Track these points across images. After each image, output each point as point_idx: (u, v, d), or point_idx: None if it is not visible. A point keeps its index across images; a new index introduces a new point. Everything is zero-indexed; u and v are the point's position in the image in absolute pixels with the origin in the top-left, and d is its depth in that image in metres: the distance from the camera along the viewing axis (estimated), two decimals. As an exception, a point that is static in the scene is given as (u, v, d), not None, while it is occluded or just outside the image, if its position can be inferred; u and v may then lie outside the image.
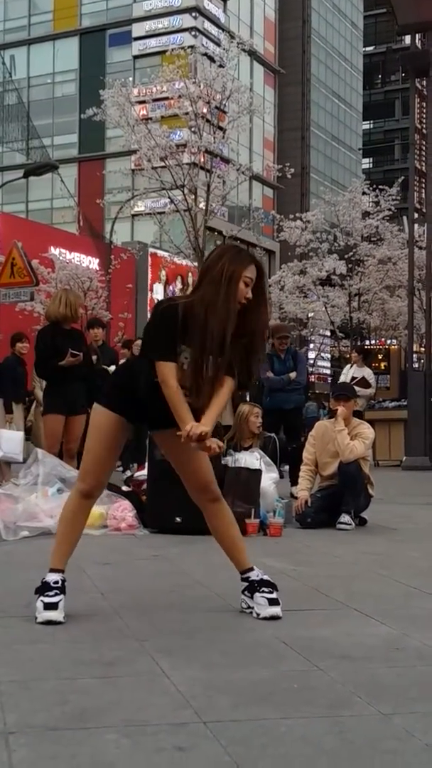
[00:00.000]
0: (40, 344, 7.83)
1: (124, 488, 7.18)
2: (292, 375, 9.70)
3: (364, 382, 13.53)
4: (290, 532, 6.42)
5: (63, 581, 3.62)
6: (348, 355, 30.76)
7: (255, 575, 3.71)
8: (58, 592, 3.56)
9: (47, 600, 3.51)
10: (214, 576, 4.33)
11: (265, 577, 3.72)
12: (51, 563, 3.69)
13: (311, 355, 40.57)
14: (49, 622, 3.44)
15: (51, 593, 3.54)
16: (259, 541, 5.92)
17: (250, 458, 6.79)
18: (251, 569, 3.73)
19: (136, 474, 7.54)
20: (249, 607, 3.68)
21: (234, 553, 3.77)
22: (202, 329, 3.47)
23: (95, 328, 10.77)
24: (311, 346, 39.92)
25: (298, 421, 10.03)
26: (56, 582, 3.59)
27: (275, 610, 3.59)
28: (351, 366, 14.57)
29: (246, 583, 3.71)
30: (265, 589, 3.65)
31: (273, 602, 3.62)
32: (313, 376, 42.17)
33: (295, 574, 4.62)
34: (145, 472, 6.87)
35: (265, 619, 3.56)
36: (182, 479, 3.79)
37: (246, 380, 3.71)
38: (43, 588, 3.57)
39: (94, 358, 9.91)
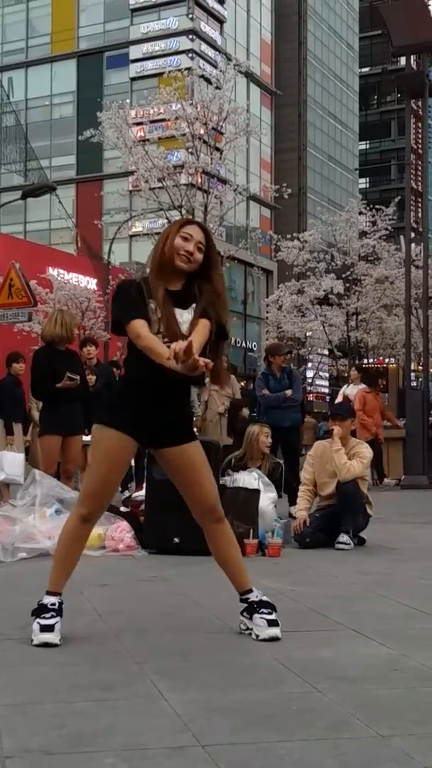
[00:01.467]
0: (36, 366, 7.82)
1: (123, 509, 7.16)
2: (288, 392, 9.71)
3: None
4: (289, 552, 6.40)
5: (60, 604, 3.60)
6: (346, 374, 30.84)
7: (254, 596, 3.69)
8: (54, 614, 3.53)
9: (44, 622, 3.49)
10: (213, 597, 4.32)
11: (264, 598, 3.69)
12: (48, 586, 3.66)
13: (309, 374, 40.60)
14: (45, 645, 3.42)
15: (48, 615, 3.52)
16: (258, 561, 5.90)
17: (249, 478, 6.78)
18: (250, 591, 3.71)
19: (135, 494, 7.53)
20: (248, 629, 3.66)
21: (234, 574, 3.75)
22: (152, 283, 3.57)
23: (88, 346, 10.76)
24: (309, 365, 39.96)
25: (295, 440, 10.02)
26: (53, 604, 3.57)
27: (274, 631, 3.57)
28: (349, 385, 14.60)
29: (245, 605, 3.69)
30: (264, 611, 3.63)
31: (272, 623, 3.59)
32: (311, 395, 42.18)
33: (294, 594, 4.60)
34: (143, 492, 6.85)
35: (264, 640, 3.55)
36: (186, 499, 3.74)
37: (219, 327, 3.61)
38: (40, 610, 3.55)
39: (93, 378, 9.91)
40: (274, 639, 3.55)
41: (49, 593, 3.62)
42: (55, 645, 3.43)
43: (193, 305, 3.61)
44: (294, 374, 10.36)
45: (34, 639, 3.46)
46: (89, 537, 6.23)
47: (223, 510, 3.75)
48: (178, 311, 3.58)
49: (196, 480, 3.67)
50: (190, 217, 22.20)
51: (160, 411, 3.59)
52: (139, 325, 3.52)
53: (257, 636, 3.58)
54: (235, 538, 3.79)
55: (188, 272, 3.64)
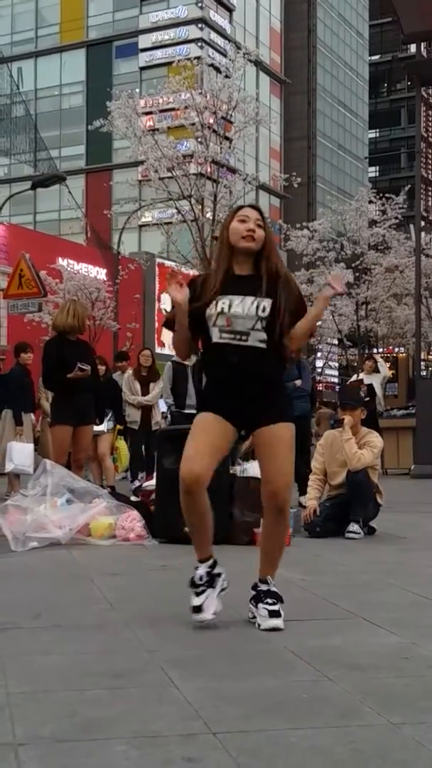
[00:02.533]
0: (47, 356, 7.83)
1: (133, 498, 7.19)
2: (298, 382, 9.70)
3: (371, 391, 13.55)
4: (299, 542, 6.40)
5: (210, 571, 3.69)
6: (355, 364, 30.79)
7: (264, 586, 3.71)
8: (204, 586, 3.65)
9: (194, 602, 3.61)
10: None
11: (273, 589, 3.71)
12: (197, 556, 3.76)
13: (319, 363, 40.55)
14: (199, 621, 3.58)
15: (199, 590, 3.64)
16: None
17: (256, 466, 6.78)
18: (265, 581, 3.73)
19: (145, 484, 7.55)
20: (254, 617, 3.68)
21: (263, 559, 3.78)
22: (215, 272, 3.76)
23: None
24: (319, 354, 39.91)
25: (305, 430, 10.01)
26: (201, 577, 3.67)
27: (275, 622, 3.58)
28: (359, 374, 14.59)
29: (254, 592, 3.72)
30: (269, 601, 3.65)
31: (273, 614, 3.61)
32: (321, 385, 42.14)
33: (304, 583, 4.61)
34: (153, 482, 6.87)
35: (266, 630, 3.56)
36: (261, 479, 3.75)
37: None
38: (191, 583, 3.68)
39: (102, 369, 9.92)
40: (275, 629, 3.56)
41: (200, 561, 3.73)
42: (208, 620, 3.57)
43: (266, 299, 3.67)
44: (303, 363, 10.35)
45: (193, 615, 3.60)
46: (99, 526, 6.30)
47: (288, 505, 3.74)
48: (239, 298, 3.67)
49: (267, 459, 3.68)
50: (200, 206, 22.18)
51: (246, 402, 3.66)
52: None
53: (259, 625, 3.60)
54: (284, 534, 3.81)
55: (254, 252, 3.74)
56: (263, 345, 3.65)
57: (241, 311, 3.65)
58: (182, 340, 3.82)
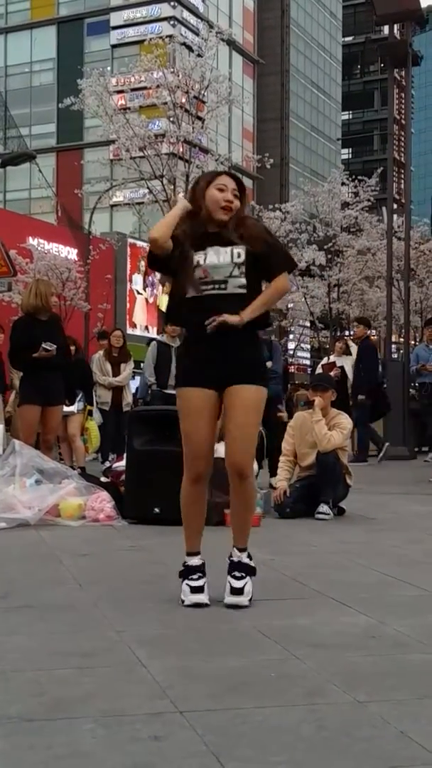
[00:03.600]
0: (14, 335, 7.78)
1: (103, 479, 7.17)
2: (269, 364, 9.70)
3: (343, 373, 13.60)
4: (269, 522, 6.43)
5: (203, 564, 3.74)
6: (327, 346, 30.87)
7: (236, 557, 3.74)
8: (201, 574, 3.68)
9: (193, 584, 3.64)
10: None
11: (245, 561, 3.73)
12: (186, 548, 3.78)
13: (291, 345, 40.60)
14: (196, 605, 3.58)
15: (195, 576, 3.67)
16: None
17: (220, 447, 6.79)
18: (239, 550, 3.74)
19: (115, 465, 7.53)
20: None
21: (235, 530, 3.80)
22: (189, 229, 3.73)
23: None
24: (291, 336, 39.97)
25: (275, 411, 10.03)
26: (197, 566, 3.71)
27: (237, 599, 3.61)
28: (329, 356, 14.62)
29: (228, 561, 3.76)
30: (236, 573, 3.68)
31: (235, 591, 3.63)
32: (292, 367, 42.24)
33: (273, 563, 4.63)
34: (123, 462, 6.85)
35: (228, 606, 3.60)
36: (225, 442, 3.75)
37: (281, 261, 3.79)
38: (187, 572, 3.70)
39: (73, 348, 9.87)
40: (236, 606, 3.59)
41: (189, 554, 3.76)
42: (206, 605, 3.60)
43: (238, 245, 3.68)
44: (274, 345, 10.35)
45: (186, 600, 3.63)
46: (69, 507, 6.29)
47: (249, 471, 3.73)
48: (213, 249, 3.67)
49: (231, 422, 3.67)
50: (172, 186, 22.07)
51: (225, 357, 3.64)
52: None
53: (224, 599, 3.64)
54: (252, 502, 3.82)
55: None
56: (243, 290, 3.68)
57: (216, 260, 3.67)
58: (170, 218, 3.76)
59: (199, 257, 3.68)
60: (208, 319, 3.61)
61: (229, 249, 3.68)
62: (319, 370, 14.39)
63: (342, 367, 13.87)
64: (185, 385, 3.73)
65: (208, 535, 3.94)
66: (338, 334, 31.28)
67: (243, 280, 3.67)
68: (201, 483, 3.74)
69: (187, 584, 3.67)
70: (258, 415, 3.72)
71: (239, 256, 3.67)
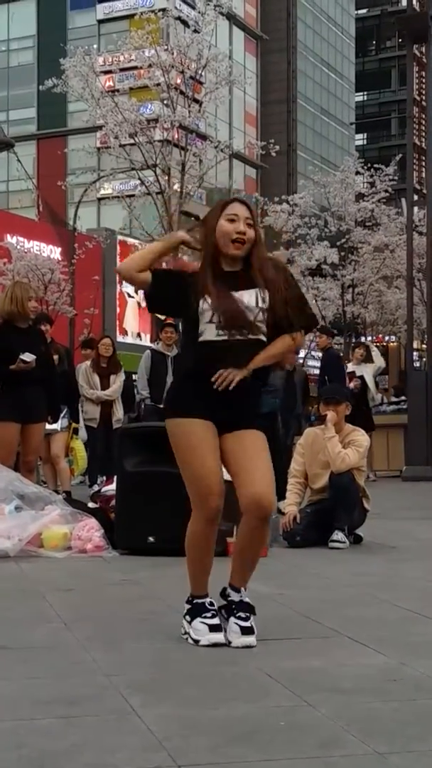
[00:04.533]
0: None
1: (91, 505, 7.17)
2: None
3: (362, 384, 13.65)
4: (277, 553, 6.43)
5: (214, 603, 3.77)
6: (341, 354, 30.89)
7: (236, 596, 3.77)
8: (215, 613, 3.71)
9: (210, 622, 3.67)
10: (191, 602, 4.34)
11: (246, 600, 3.76)
12: (193, 590, 3.81)
13: (300, 353, 40.64)
14: (215, 645, 3.59)
15: (208, 614, 3.70)
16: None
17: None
18: (237, 590, 3.78)
19: (104, 489, 7.53)
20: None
21: (237, 568, 3.82)
22: (201, 274, 3.78)
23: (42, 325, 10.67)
24: (301, 343, 40.01)
25: (271, 429, 10.03)
26: (211, 603, 3.74)
27: (249, 639, 3.64)
28: (346, 365, 14.61)
29: (224, 602, 3.79)
30: (242, 615, 3.71)
31: (246, 631, 3.66)
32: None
33: (283, 599, 4.63)
34: (114, 486, 6.86)
35: (238, 647, 3.61)
36: (236, 489, 3.78)
37: (302, 320, 3.86)
38: (199, 609, 3.71)
39: (56, 357, 9.88)
40: (248, 647, 3.61)
41: (201, 597, 3.77)
42: (225, 644, 3.62)
43: (261, 290, 3.75)
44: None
45: (202, 640, 3.64)
46: (53, 537, 6.29)
47: (270, 508, 3.78)
48: (237, 293, 3.74)
49: (247, 463, 3.73)
50: (166, 177, 22.14)
51: (229, 402, 3.70)
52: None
53: (229, 642, 3.65)
54: (263, 544, 3.90)
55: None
56: (264, 338, 3.77)
57: (244, 302, 3.73)
58: (147, 253, 3.88)
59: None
60: (214, 376, 3.68)
61: (254, 292, 3.75)
62: None
63: (362, 377, 13.90)
64: (187, 416, 3.75)
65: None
66: (354, 340, 31.28)
67: (265, 327, 3.76)
68: (217, 519, 3.76)
69: (203, 623, 3.68)
70: (269, 458, 3.81)
71: (264, 301, 3.75)
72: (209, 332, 3.73)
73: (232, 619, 3.70)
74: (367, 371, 14.19)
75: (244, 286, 3.76)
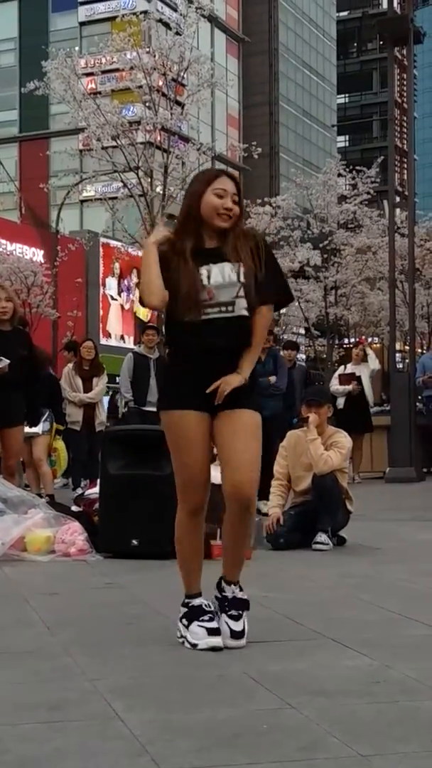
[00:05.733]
0: None
1: (74, 508, 7.15)
2: (272, 379, 9.72)
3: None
4: (260, 555, 6.42)
5: (211, 604, 3.73)
6: (324, 356, 30.95)
7: (229, 591, 3.76)
8: (212, 615, 3.68)
9: (208, 625, 3.63)
10: (175, 605, 4.31)
11: (240, 596, 3.76)
12: (186, 590, 3.78)
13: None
14: (212, 649, 3.58)
15: (206, 617, 3.66)
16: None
17: (215, 472, 6.78)
18: (230, 584, 3.77)
19: (88, 491, 7.53)
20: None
21: (226, 562, 3.81)
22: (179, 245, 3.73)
23: None
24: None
25: (274, 431, 10.04)
26: (207, 605, 3.71)
27: (239, 642, 3.64)
28: (345, 367, 14.62)
29: (218, 595, 3.78)
30: (233, 613, 3.70)
31: (236, 635, 3.66)
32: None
33: (266, 601, 4.62)
34: (97, 489, 6.84)
35: (227, 648, 3.62)
36: (221, 473, 3.77)
37: (283, 295, 3.88)
38: (196, 612, 3.68)
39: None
40: (235, 648, 3.62)
41: (190, 597, 3.75)
42: (221, 649, 3.59)
43: (240, 263, 3.70)
44: (279, 359, 10.31)
45: (200, 643, 3.61)
46: (36, 540, 6.27)
47: (255, 500, 3.78)
48: (217, 266, 3.68)
49: (230, 448, 3.69)
50: (149, 179, 22.11)
51: (214, 376, 3.65)
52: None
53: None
54: (249, 533, 3.87)
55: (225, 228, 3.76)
56: (247, 312, 3.70)
57: (222, 280, 3.67)
58: (155, 276, 3.74)
59: (201, 275, 3.68)
60: (209, 388, 3.63)
61: (235, 266, 3.69)
62: (335, 381, 14.43)
63: (359, 377, 13.93)
64: (176, 408, 3.72)
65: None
66: (336, 342, 31.38)
67: (245, 302, 3.69)
68: (200, 514, 3.76)
69: (201, 626, 3.65)
70: (259, 442, 3.74)
71: (241, 275, 3.68)
72: (189, 313, 3.67)
73: (224, 617, 3.69)
74: (364, 372, 14.21)
75: (224, 259, 3.69)
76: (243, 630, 3.67)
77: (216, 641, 3.61)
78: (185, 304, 3.64)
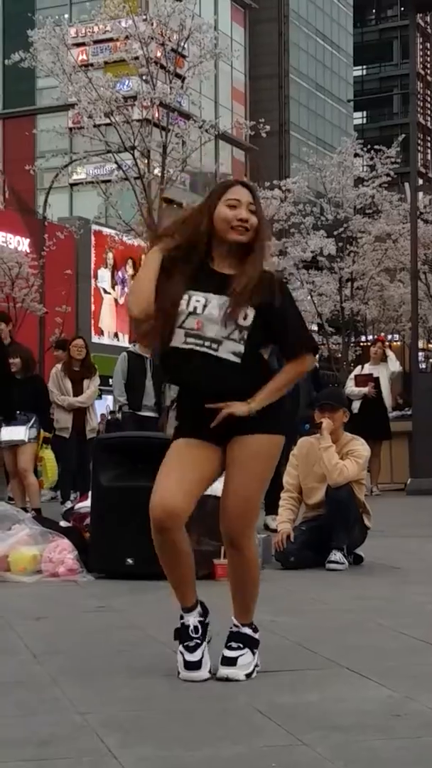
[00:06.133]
0: None
1: (63, 523, 7.16)
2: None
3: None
4: (269, 575, 6.41)
5: (203, 624, 3.72)
6: (339, 355, 30.95)
7: (235, 627, 3.77)
8: (199, 641, 3.67)
9: (189, 656, 3.63)
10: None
11: (244, 631, 3.74)
12: (178, 601, 3.77)
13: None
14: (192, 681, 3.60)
15: (191, 644, 3.66)
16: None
17: (218, 484, 6.79)
18: (243, 624, 3.78)
19: (77, 505, 7.52)
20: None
21: (235, 605, 3.82)
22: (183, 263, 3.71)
23: None
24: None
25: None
26: (195, 628, 3.69)
27: (227, 671, 3.63)
28: (363, 367, 14.61)
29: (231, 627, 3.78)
30: (232, 644, 3.69)
31: (227, 661, 3.64)
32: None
33: (275, 626, 4.63)
34: (88, 503, 6.85)
35: (219, 679, 3.61)
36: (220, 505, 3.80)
37: (308, 343, 3.82)
38: (182, 634, 3.69)
39: (18, 361, 9.85)
40: (227, 680, 3.60)
41: (184, 609, 3.74)
42: (203, 680, 3.60)
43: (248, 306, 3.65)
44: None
45: (181, 673, 3.64)
46: (22, 559, 6.28)
47: (245, 542, 3.76)
48: (218, 298, 3.65)
49: (228, 477, 3.73)
50: (146, 160, 22.13)
51: (209, 414, 3.66)
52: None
53: (214, 673, 3.66)
54: (254, 575, 3.84)
55: (244, 245, 3.73)
56: (237, 359, 3.63)
57: (216, 314, 3.63)
58: (146, 283, 3.75)
59: (197, 302, 3.65)
60: (208, 406, 3.61)
61: (228, 300, 3.64)
62: (350, 383, 14.42)
63: (377, 379, 13.92)
64: (182, 437, 3.75)
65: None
66: (353, 339, 31.35)
67: (241, 348, 3.63)
68: (165, 533, 3.68)
69: (182, 654, 3.66)
70: (265, 470, 3.77)
71: (245, 318, 3.64)
72: (178, 337, 3.66)
73: (224, 649, 3.70)
74: (383, 374, 14.18)
75: (226, 293, 3.65)
76: (237, 658, 3.64)
77: (192, 676, 3.60)
78: (162, 320, 3.66)
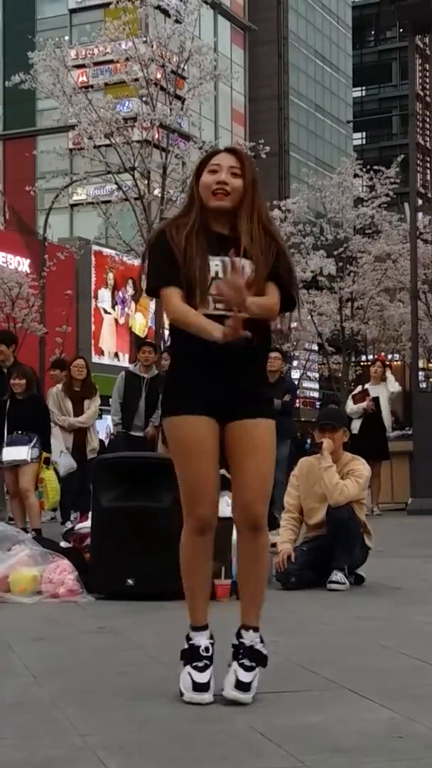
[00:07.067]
0: None
1: (63, 544, 7.14)
2: (287, 398, 9.81)
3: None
4: (270, 595, 6.36)
5: (212, 646, 3.69)
6: (339, 374, 30.98)
7: (247, 639, 3.71)
8: (208, 663, 3.64)
9: (197, 677, 3.59)
10: (175, 652, 4.30)
11: (258, 647, 3.70)
12: (191, 621, 3.75)
13: (295, 374, 40.75)
14: (198, 704, 3.56)
15: (200, 664, 3.62)
16: (232, 606, 5.85)
17: (220, 503, 6.78)
18: (248, 629, 3.74)
19: (78, 526, 7.51)
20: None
21: (244, 601, 3.81)
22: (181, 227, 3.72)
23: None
24: (295, 363, 40.12)
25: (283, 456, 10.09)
26: (206, 648, 3.66)
27: (239, 695, 3.56)
28: (363, 387, 14.63)
29: (236, 643, 3.72)
30: (246, 663, 3.63)
31: (241, 686, 3.58)
32: (298, 401, 42.34)
33: (276, 646, 4.60)
34: (88, 523, 6.84)
35: (226, 702, 3.58)
36: (233, 487, 3.78)
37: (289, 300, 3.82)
38: (192, 654, 3.66)
39: (23, 383, 9.87)
40: (237, 703, 3.55)
41: (195, 629, 3.72)
42: (208, 704, 3.56)
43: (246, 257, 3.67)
44: (287, 382, 10.41)
45: (186, 694, 3.59)
46: (22, 580, 6.27)
47: (265, 521, 3.76)
48: (221, 259, 3.65)
49: (242, 460, 3.71)
50: (146, 181, 22.20)
51: (229, 382, 3.66)
52: (168, 294, 3.68)
53: (221, 690, 3.60)
54: (267, 560, 3.85)
55: (232, 210, 3.71)
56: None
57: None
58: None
59: (217, 267, 3.66)
60: (230, 315, 3.55)
61: (242, 263, 3.66)
62: (350, 403, 14.43)
63: (377, 398, 13.94)
64: (181, 413, 3.71)
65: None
66: (353, 359, 31.37)
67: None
68: (207, 533, 3.73)
69: (190, 675, 3.62)
70: (272, 456, 3.77)
71: (246, 273, 3.66)
72: (207, 303, 3.64)
73: (234, 665, 3.64)
74: (383, 393, 14.19)
75: (229, 249, 3.64)
76: (250, 683, 3.59)
77: (200, 698, 3.57)
78: (193, 294, 3.64)
